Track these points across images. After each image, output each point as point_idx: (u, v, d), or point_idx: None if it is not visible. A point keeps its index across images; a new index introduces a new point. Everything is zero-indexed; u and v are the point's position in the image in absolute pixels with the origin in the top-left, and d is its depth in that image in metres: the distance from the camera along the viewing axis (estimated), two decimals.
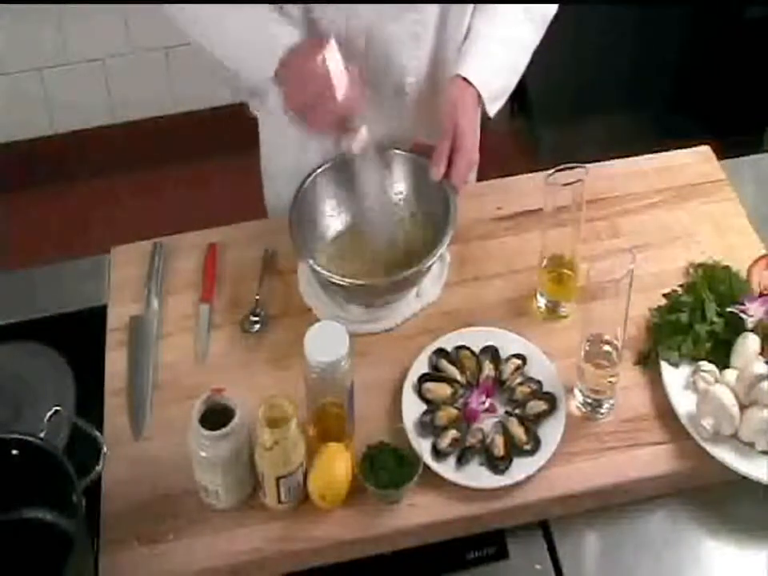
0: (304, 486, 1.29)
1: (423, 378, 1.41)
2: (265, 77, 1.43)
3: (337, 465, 1.29)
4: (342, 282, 1.42)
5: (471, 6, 1.55)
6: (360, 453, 1.31)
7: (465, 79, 1.49)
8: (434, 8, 1.51)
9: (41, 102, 3.02)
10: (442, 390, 1.40)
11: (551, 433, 1.35)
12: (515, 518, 1.33)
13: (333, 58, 1.38)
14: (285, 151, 1.69)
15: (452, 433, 1.35)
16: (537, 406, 1.37)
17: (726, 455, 1.32)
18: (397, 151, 1.55)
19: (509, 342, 1.44)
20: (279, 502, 1.29)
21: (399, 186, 1.57)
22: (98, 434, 1.32)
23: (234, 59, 1.49)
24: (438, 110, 1.53)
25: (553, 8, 1.56)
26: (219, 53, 1.49)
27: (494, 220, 1.63)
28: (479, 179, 1.73)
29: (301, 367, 1.30)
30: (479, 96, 1.49)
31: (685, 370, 1.40)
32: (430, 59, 1.57)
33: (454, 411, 1.37)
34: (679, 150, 1.73)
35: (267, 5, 1.44)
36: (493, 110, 1.53)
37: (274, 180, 1.78)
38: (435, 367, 1.43)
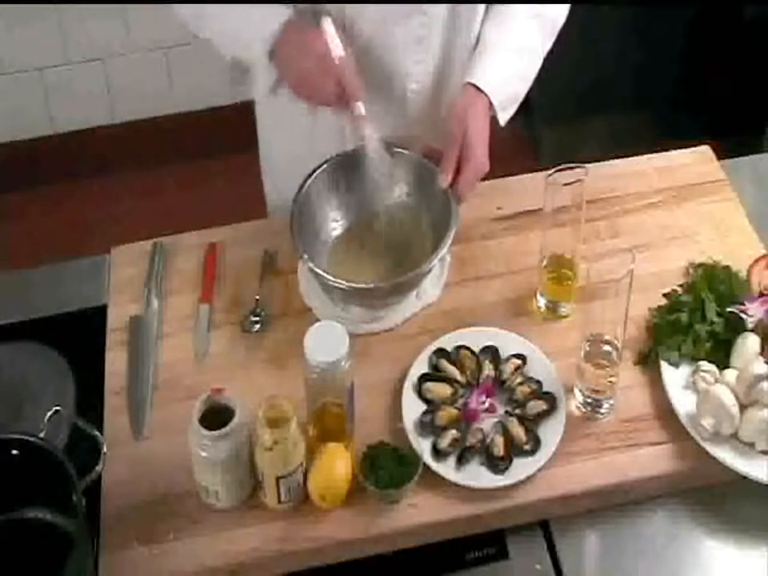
0: (304, 486, 1.30)
1: (423, 378, 1.41)
2: (262, 51, 1.42)
3: (337, 465, 1.29)
4: (342, 285, 1.42)
5: (481, 12, 1.54)
6: (360, 453, 1.31)
7: (475, 87, 1.48)
8: (441, 12, 1.50)
9: (41, 102, 3.02)
10: (442, 389, 1.40)
11: (551, 433, 1.35)
12: (515, 518, 1.33)
13: (329, 30, 1.41)
14: (282, 147, 1.69)
15: (452, 433, 1.35)
16: (537, 406, 1.37)
17: (726, 455, 1.32)
18: (398, 151, 1.55)
19: (509, 342, 1.44)
20: (279, 501, 1.29)
21: (401, 186, 1.56)
22: (97, 434, 1.32)
23: (229, 39, 1.48)
24: (443, 114, 1.53)
25: (562, 16, 1.57)
26: (214, 35, 1.49)
27: (494, 220, 1.63)
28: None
29: (301, 367, 1.30)
30: (490, 104, 1.49)
31: (685, 370, 1.40)
32: (435, 64, 1.56)
33: (454, 411, 1.37)
34: (679, 150, 1.73)
35: None
36: (504, 118, 1.52)
37: (272, 176, 1.78)
38: (435, 367, 1.43)
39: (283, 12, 1.44)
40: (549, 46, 1.57)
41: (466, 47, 1.55)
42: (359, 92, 1.42)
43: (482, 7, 1.55)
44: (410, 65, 1.54)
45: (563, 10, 1.57)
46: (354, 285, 1.43)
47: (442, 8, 1.50)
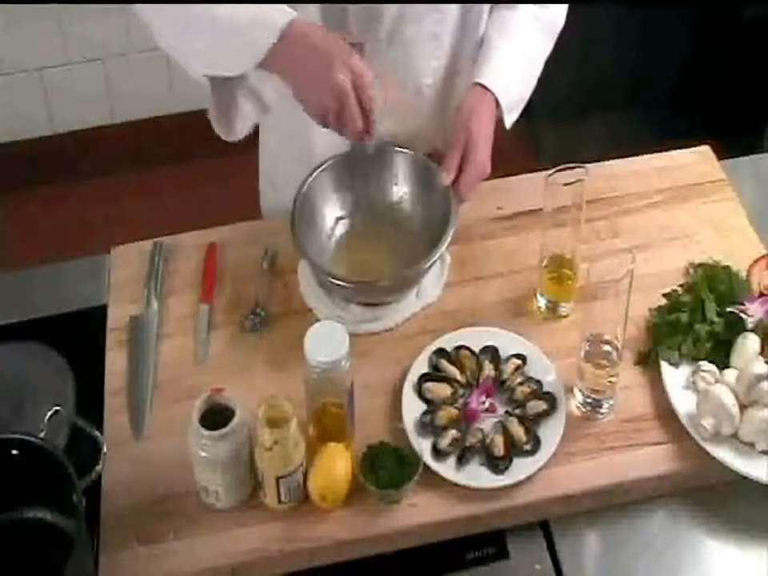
0: (304, 486, 1.29)
1: (423, 378, 1.41)
2: (256, 60, 1.33)
3: (337, 465, 1.29)
4: (342, 283, 1.42)
5: (488, 8, 1.55)
6: (360, 453, 1.31)
7: (483, 87, 1.49)
8: (454, 7, 1.51)
9: (41, 102, 3.02)
10: (442, 390, 1.40)
11: (551, 433, 1.35)
12: (515, 518, 1.33)
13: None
14: (287, 152, 1.69)
15: (452, 433, 1.35)
16: (537, 405, 1.37)
17: (726, 455, 1.32)
18: (399, 150, 1.55)
19: (509, 342, 1.44)
20: (279, 501, 1.29)
21: (401, 185, 1.57)
22: (98, 434, 1.32)
23: (219, 47, 1.37)
24: (453, 111, 1.54)
25: (562, 19, 1.58)
26: (199, 45, 1.38)
27: (494, 220, 1.63)
28: None
29: (301, 367, 1.30)
30: (496, 105, 1.49)
31: (685, 369, 1.40)
32: (447, 60, 1.56)
33: (454, 411, 1.37)
34: (679, 150, 1.73)
35: None
36: (509, 120, 1.53)
37: (273, 179, 1.78)
38: (435, 367, 1.43)
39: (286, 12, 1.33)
40: (550, 48, 1.58)
41: (474, 44, 1.56)
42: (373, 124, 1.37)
43: (488, 6, 1.55)
44: (423, 61, 1.54)
45: (562, 13, 1.58)
46: (354, 282, 1.43)
47: (454, 5, 1.51)
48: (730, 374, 1.36)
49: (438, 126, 1.61)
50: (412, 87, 1.57)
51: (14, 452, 1.25)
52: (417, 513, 1.30)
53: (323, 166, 1.53)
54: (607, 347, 1.35)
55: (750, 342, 1.39)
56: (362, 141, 1.40)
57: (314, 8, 1.44)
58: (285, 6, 1.34)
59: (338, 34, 1.36)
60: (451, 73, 1.58)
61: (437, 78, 1.57)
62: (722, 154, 1.73)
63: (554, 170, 1.40)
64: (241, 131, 1.53)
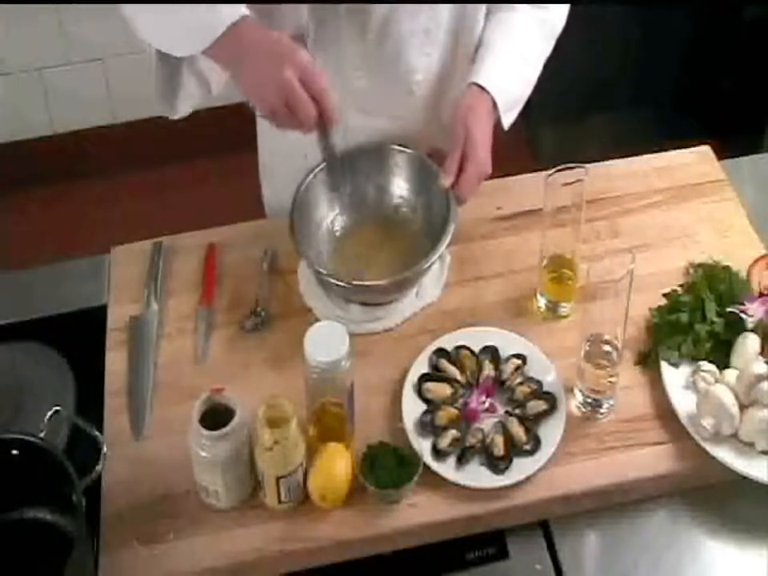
0: (304, 486, 1.30)
1: (423, 378, 1.41)
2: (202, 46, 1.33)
3: (337, 465, 1.29)
4: (341, 283, 1.42)
5: (485, 7, 1.55)
6: (360, 453, 1.31)
7: (480, 87, 1.48)
8: (447, 6, 1.51)
9: (41, 102, 3.02)
10: (441, 389, 1.40)
11: (551, 433, 1.35)
12: (515, 518, 1.33)
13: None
14: (283, 149, 1.69)
15: (452, 433, 1.35)
16: (537, 405, 1.37)
17: (726, 455, 1.32)
18: (399, 150, 1.55)
19: (509, 342, 1.44)
20: (279, 502, 1.29)
21: (400, 184, 1.57)
22: (97, 434, 1.32)
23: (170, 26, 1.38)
24: (447, 111, 1.53)
25: (562, 21, 1.58)
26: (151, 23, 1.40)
27: (494, 220, 1.63)
28: None
29: (301, 367, 1.30)
30: (494, 106, 1.49)
31: (685, 370, 1.40)
32: (441, 58, 1.56)
33: (454, 411, 1.37)
34: (679, 150, 1.73)
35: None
36: (507, 121, 1.52)
37: (272, 179, 1.78)
38: (435, 367, 1.43)
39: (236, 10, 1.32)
40: (549, 50, 1.58)
41: (470, 43, 1.56)
42: (336, 116, 1.34)
43: (485, 6, 1.55)
44: (415, 58, 1.53)
45: (563, 14, 1.58)
46: (353, 283, 1.43)
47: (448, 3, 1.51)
48: (730, 374, 1.36)
49: (434, 126, 1.61)
50: (403, 84, 1.56)
51: (14, 452, 1.26)
52: (417, 513, 1.30)
53: (322, 166, 1.53)
54: (607, 347, 1.35)
55: (750, 342, 1.39)
56: (324, 131, 1.37)
57: (303, 7, 1.44)
58: (242, 7, 1.34)
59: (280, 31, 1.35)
60: (445, 71, 1.58)
61: (429, 76, 1.57)
62: (722, 154, 1.73)
63: (553, 170, 1.40)
64: (182, 110, 1.55)
